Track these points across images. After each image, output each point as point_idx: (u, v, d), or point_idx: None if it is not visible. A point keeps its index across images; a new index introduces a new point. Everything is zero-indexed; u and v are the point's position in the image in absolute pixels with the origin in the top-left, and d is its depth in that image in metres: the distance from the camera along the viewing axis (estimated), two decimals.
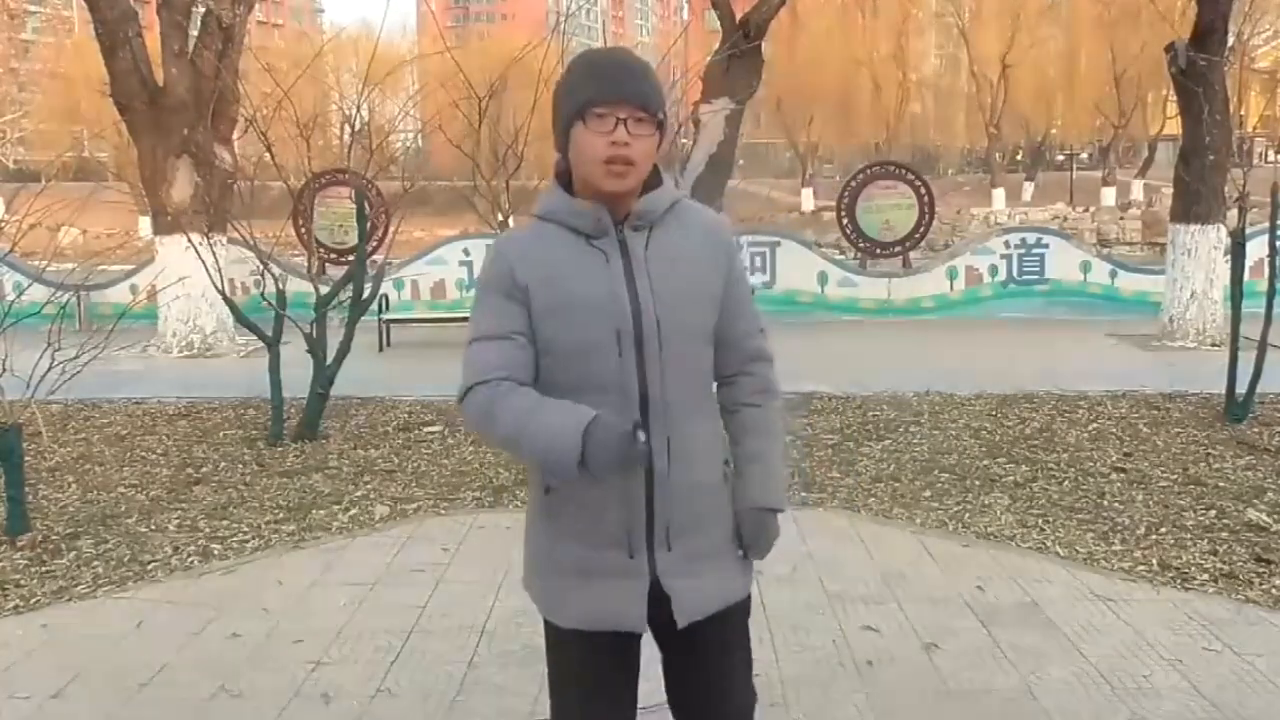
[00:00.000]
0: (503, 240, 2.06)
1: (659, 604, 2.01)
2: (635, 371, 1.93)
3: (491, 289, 1.99)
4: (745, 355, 2.12)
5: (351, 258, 8.08)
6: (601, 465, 1.78)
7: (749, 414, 2.12)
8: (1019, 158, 52.37)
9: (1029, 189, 43.03)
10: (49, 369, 5.13)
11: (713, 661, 2.11)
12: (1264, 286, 7.09)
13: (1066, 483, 5.79)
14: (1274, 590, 4.23)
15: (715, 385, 2.13)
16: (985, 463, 6.21)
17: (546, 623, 2.10)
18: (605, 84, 1.91)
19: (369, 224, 9.58)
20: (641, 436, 1.79)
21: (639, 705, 2.15)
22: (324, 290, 7.34)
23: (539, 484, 2.06)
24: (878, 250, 14.01)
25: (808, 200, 42.30)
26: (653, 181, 2.02)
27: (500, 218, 7.22)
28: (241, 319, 7.42)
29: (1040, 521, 5.15)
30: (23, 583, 4.54)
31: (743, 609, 2.14)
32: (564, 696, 2.13)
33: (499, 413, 1.89)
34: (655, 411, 1.94)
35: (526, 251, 1.99)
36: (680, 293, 1.97)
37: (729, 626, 2.10)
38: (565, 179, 2.01)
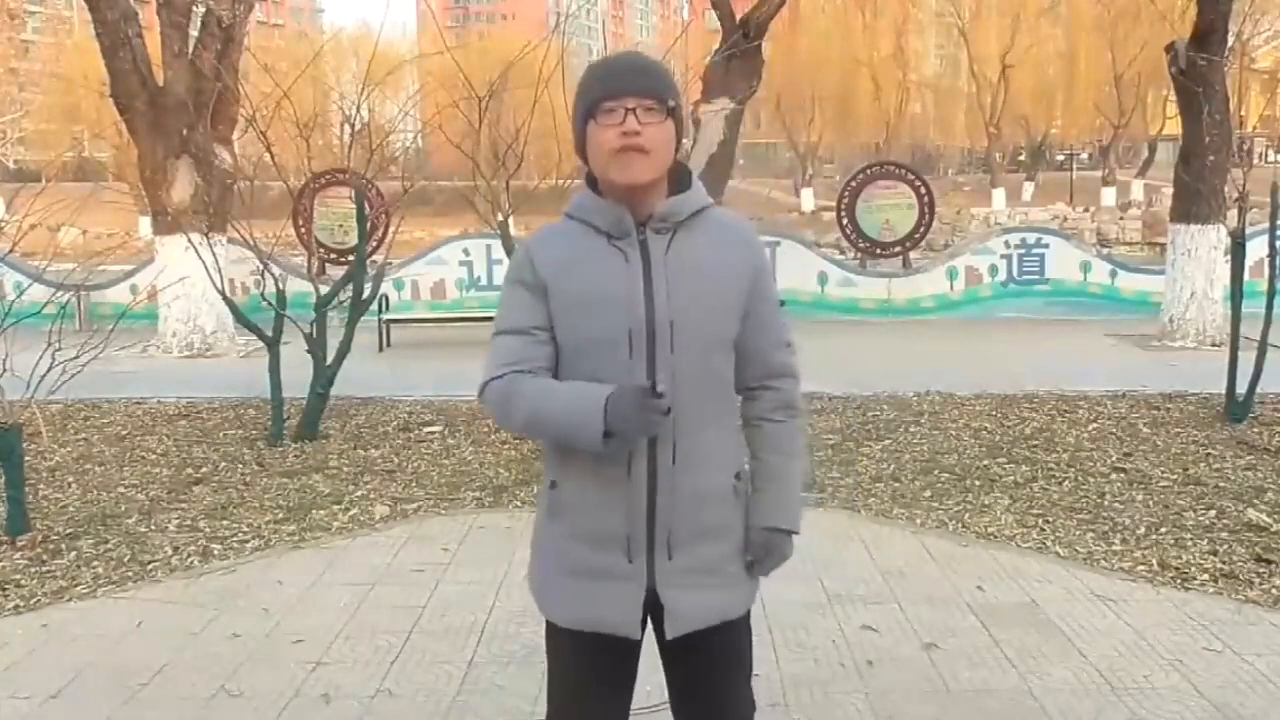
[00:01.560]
0: (529, 237, 2.10)
1: (657, 611, 2.00)
2: (645, 373, 1.93)
3: (514, 283, 2.04)
4: (768, 369, 2.10)
5: (351, 258, 8.08)
6: (625, 427, 1.83)
7: (770, 429, 2.11)
8: (1020, 158, 52.36)
9: (1029, 189, 43.01)
10: (49, 369, 5.13)
11: (712, 673, 2.11)
12: (1264, 286, 7.09)
13: (1066, 483, 5.79)
14: (1274, 590, 4.23)
15: (740, 398, 2.12)
16: (985, 463, 6.21)
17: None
18: (610, 80, 1.94)
19: (369, 224, 9.58)
20: (661, 387, 1.82)
21: (637, 705, 2.15)
22: (324, 290, 7.34)
23: (547, 479, 2.07)
24: (878, 250, 14.00)
25: (808, 200, 42.29)
26: (682, 185, 2.02)
27: (500, 218, 7.20)
28: (241, 319, 7.42)
29: (1040, 521, 5.15)
30: (23, 583, 4.54)
31: (742, 623, 2.12)
32: (557, 692, 2.14)
33: (516, 398, 1.95)
34: (664, 427, 1.93)
35: (548, 247, 2.02)
36: (697, 297, 1.96)
37: (728, 639, 2.09)
38: (594, 182, 2.03)
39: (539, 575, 2.11)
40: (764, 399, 2.11)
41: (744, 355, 2.06)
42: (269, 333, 7.04)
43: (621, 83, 1.93)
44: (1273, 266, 6.95)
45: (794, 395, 2.14)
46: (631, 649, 2.06)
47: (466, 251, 13.20)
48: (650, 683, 2.16)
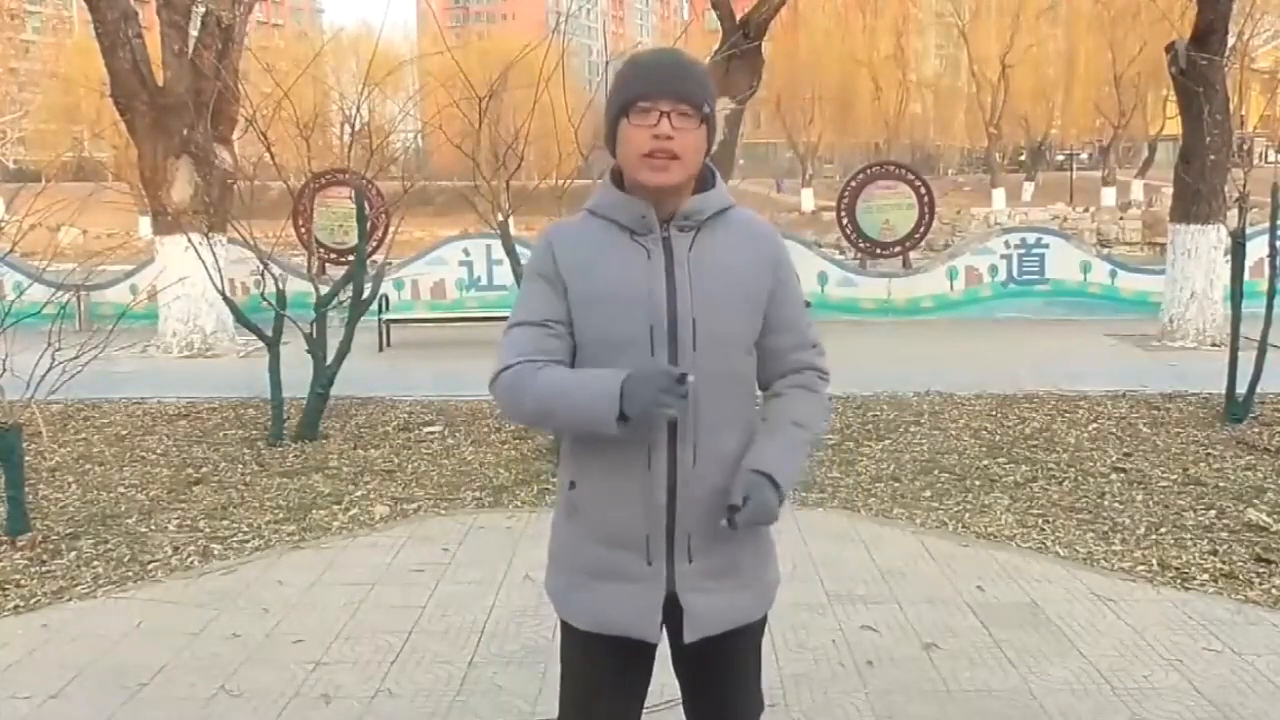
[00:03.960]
0: (551, 229, 2.07)
1: (674, 614, 1.99)
2: None
3: (534, 275, 2.01)
4: (793, 369, 2.06)
5: (351, 258, 8.08)
6: (640, 410, 1.79)
7: (787, 394, 2.05)
8: (1020, 158, 52.39)
9: (1029, 189, 43.06)
10: (49, 369, 5.13)
11: (727, 674, 2.10)
12: (1264, 286, 7.09)
13: (1066, 483, 5.79)
14: (1274, 590, 4.23)
15: (762, 397, 2.09)
16: (985, 463, 6.21)
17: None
18: (648, 79, 1.93)
19: (369, 224, 9.58)
20: (690, 378, 1.78)
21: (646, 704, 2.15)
22: (324, 290, 7.34)
23: (565, 479, 2.05)
24: (878, 250, 14.01)
25: (807, 200, 42.32)
26: (706, 184, 2.01)
27: (500, 218, 7.20)
28: (241, 319, 7.42)
29: (1040, 521, 5.14)
30: (23, 583, 4.54)
31: (758, 627, 2.11)
32: (570, 692, 2.12)
33: (528, 386, 1.91)
34: (683, 415, 1.90)
35: (570, 241, 2.00)
36: (719, 296, 1.95)
37: (743, 642, 2.08)
38: (618, 177, 2.01)
39: (556, 577, 2.09)
40: (788, 380, 2.06)
41: (767, 355, 2.04)
42: (269, 333, 7.04)
43: (660, 83, 1.91)
44: (1273, 266, 6.95)
45: (818, 386, 2.08)
46: (648, 652, 2.04)
47: (466, 251, 13.20)
48: (655, 681, 2.15)
